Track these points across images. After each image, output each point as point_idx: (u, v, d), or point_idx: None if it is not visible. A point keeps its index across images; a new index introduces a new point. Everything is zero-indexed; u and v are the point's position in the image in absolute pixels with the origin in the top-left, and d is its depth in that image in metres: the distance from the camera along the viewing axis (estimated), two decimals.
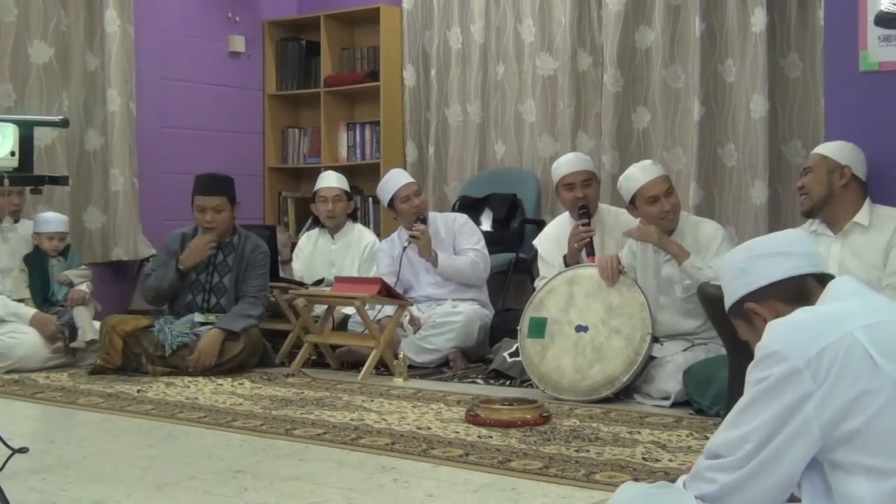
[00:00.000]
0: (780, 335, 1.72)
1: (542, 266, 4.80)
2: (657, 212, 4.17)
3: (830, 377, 1.64)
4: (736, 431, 1.72)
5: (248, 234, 5.15)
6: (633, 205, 4.26)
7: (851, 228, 3.64)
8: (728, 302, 1.96)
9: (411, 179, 5.33)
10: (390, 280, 5.02)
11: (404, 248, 5.17)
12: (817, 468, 1.71)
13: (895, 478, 1.65)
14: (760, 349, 1.73)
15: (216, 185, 5.03)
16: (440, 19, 6.39)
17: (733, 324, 2.00)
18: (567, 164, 4.74)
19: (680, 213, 4.26)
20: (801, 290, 1.85)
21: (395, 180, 5.28)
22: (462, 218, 5.38)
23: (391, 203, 5.26)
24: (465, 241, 5.24)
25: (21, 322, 5.00)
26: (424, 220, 5.20)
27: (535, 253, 5.67)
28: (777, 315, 1.84)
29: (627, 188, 4.25)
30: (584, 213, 4.61)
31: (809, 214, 3.74)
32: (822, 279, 1.87)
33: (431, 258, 5.13)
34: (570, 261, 4.54)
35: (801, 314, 1.76)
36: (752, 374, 1.73)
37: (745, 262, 1.91)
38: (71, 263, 5.32)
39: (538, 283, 4.64)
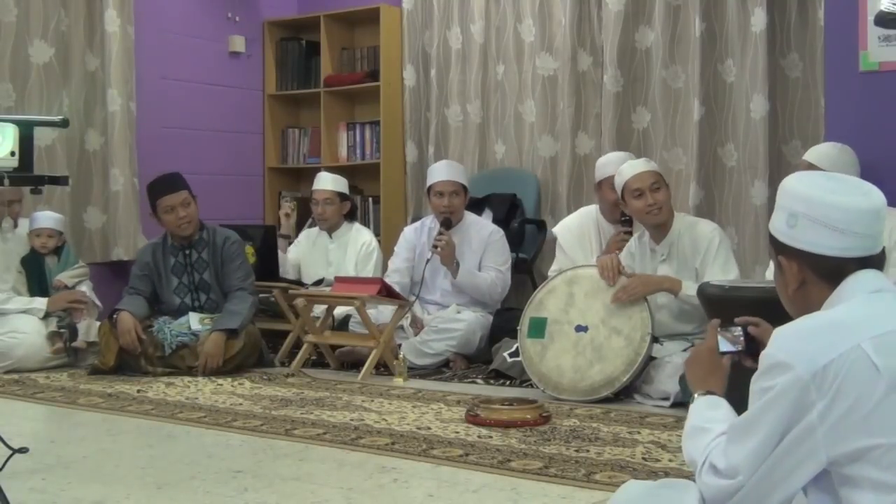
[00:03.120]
0: (787, 344, 1.68)
1: (560, 255, 4.79)
2: (642, 206, 4.17)
3: (833, 390, 1.62)
4: (738, 443, 1.70)
5: (214, 227, 5.14)
6: (623, 200, 4.27)
7: None
8: (771, 228, 1.87)
9: (453, 178, 5.15)
10: (403, 270, 5.14)
11: (430, 256, 5.05)
12: (825, 480, 1.68)
13: None
14: (765, 358, 1.69)
15: (175, 181, 5.00)
16: (440, 19, 6.38)
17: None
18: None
19: (672, 211, 4.26)
20: (839, 270, 1.76)
21: (437, 172, 5.20)
22: (497, 233, 5.24)
23: (428, 191, 5.23)
24: (491, 258, 5.16)
25: (39, 311, 4.99)
26: (449, 226, 5.11)
27: (535, 252, 5.69)
28: (803, 283, 1.79)
29: (618, 183, 4.28)
30: (628, 220, 4.58)
31: None
32: (866, 262, 1.77)
33: (453, 268, 5.07)
34: None
35: (809, 321, 1.72)
36: (757, 383, 1.70)
37: (801, 214, 1.78)
38: (66, 263, 5.27)
39: (551, 272, 4.64)
